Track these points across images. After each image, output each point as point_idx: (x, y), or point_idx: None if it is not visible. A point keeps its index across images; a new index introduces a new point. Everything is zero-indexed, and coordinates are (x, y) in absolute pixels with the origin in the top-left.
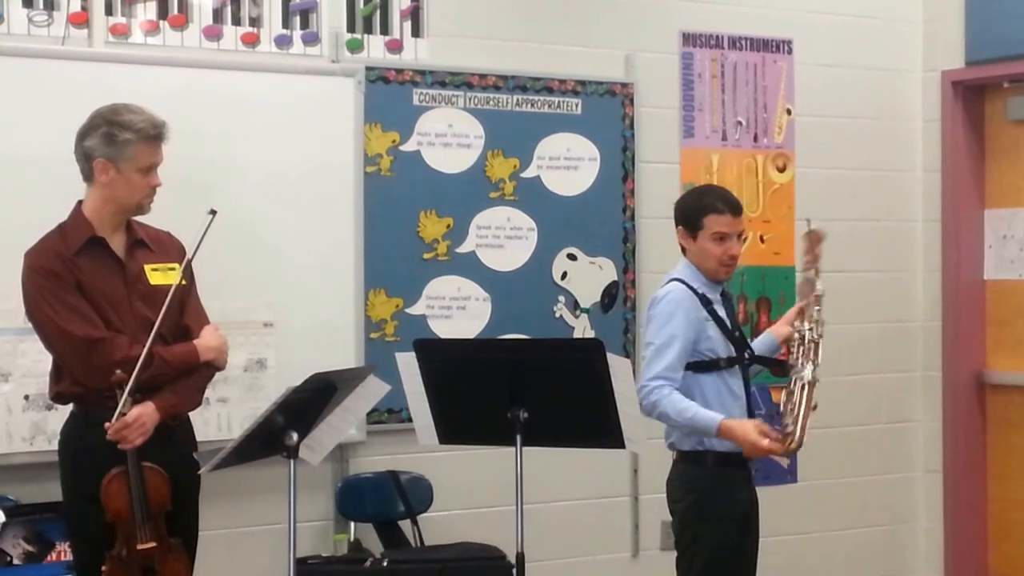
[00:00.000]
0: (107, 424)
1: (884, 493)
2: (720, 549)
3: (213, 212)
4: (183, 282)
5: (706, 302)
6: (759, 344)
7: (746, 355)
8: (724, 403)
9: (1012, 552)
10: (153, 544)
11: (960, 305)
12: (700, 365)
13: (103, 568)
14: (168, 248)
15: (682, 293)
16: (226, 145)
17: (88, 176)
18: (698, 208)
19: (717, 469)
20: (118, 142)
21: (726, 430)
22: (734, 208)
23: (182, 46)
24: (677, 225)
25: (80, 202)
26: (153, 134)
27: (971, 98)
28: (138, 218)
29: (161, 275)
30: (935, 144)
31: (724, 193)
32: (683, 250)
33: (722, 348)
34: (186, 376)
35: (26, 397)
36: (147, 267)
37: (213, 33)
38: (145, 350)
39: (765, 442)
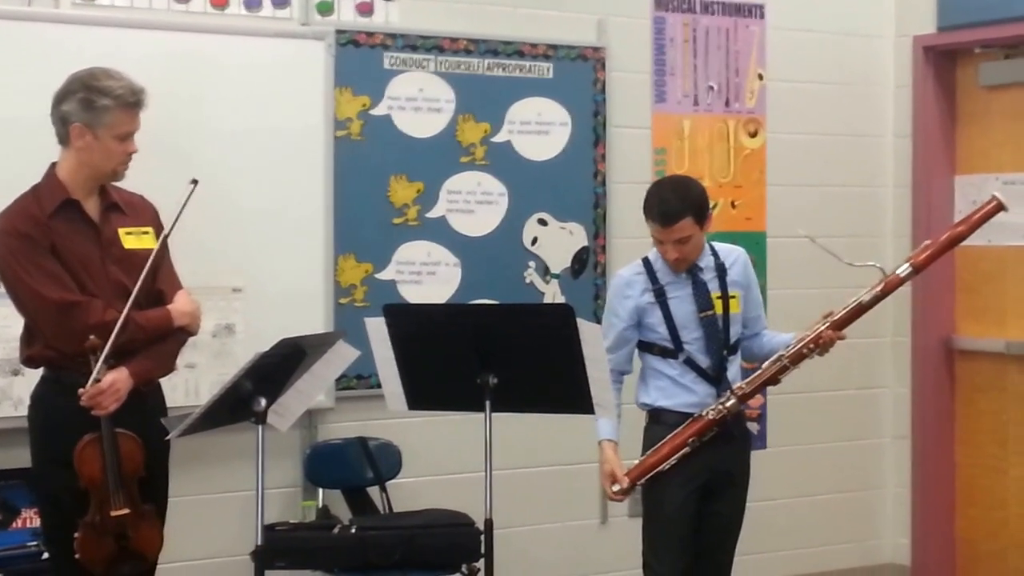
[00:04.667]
0: (81, 390)
1: (853, 459)
2: (662, 508)
3: (195, 182)
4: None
5: (659, 292)
6: (779, 341)
7: (682, 351)
8: (665, 381)
9: (979, 517)
10: (127, 510)
11: (930, 271)
12: (641, 344)
13: (75, 535)
14: (141, 212)
15: (621, 280)
16: (194, 109)
17: (64, 140)
18: (644, 206)
19: (674, 429)
20: (96, 108)
21: (600, 450)
22: (663, 218)
23: (150, 8)
24: None
25: (54, 164)
26: (132, 101)
27: (943, 64)
28: None
29: (135, 239)
30: (906, 110)
31: (664, 198)
32: None
33: (659, 338)
34: (159, 341)
35: None
36: (121, 231)
37: None
38: (123, 316)
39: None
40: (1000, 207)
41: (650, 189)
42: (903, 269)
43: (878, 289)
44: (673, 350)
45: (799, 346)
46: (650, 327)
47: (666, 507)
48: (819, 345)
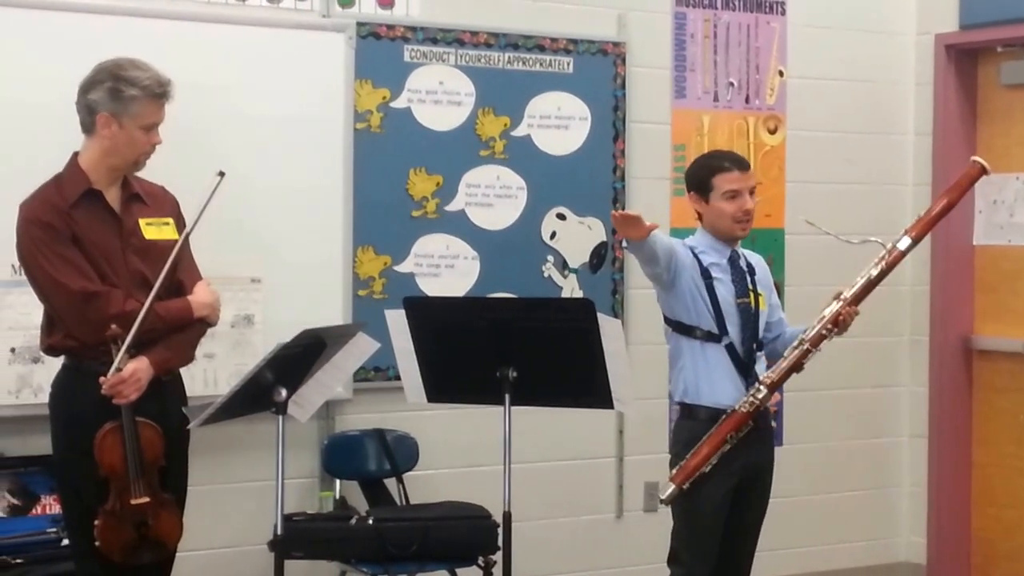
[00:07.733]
0: (102, 378)
1: (869, 457)
2: (699, 504)
3: (221, 174)
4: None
5: (707, 275)
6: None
7: (725, 337)
8: (700, 371)
9: (995, 516)
10: (147, 499)
11: (949, 270)
12: (680, 327)
13: (96, 522)
14: (162, 202)
15: (682, 248)
16: (215, 99)
17: (89, 128)
18: (706, 170)
19: (708, 424)
20: (124, 98)
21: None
22: (740, 164)
23: None
24: (688, 192)
25: (76, 153)
26: (159, 92)
27: (964, 62)
28: None
29: (155, 230)
30: (927, 108)
31: (729, 153)
32: (699, 218)
33: (704, 320)
34: (179, 331)
35: (12, 350)
36: (142, 221)
37: None
38: (146, 307)
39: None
40: (983, 171)
41: (701, 157)
42: (902, 242)
43: (883, 263)
44: (717, 335)
45: (819, 328)
46: (694, 306)
47: (704, 506)
48: (838, 324)
